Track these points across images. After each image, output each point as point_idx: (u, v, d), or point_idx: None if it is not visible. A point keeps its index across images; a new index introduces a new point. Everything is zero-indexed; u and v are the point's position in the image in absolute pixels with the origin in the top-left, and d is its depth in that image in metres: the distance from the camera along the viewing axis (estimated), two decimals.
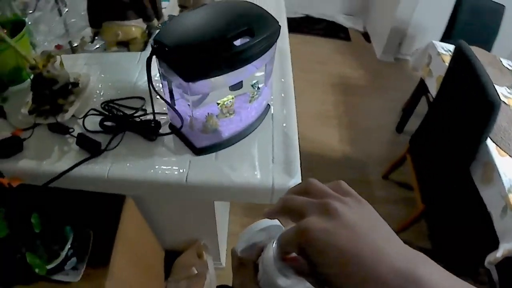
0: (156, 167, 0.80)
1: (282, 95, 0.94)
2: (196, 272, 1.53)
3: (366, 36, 3.49)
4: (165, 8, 1.25)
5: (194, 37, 0.64)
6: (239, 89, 0.83)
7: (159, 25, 1.12)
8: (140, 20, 1.07)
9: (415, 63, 2.28)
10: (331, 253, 0.32)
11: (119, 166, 0.81)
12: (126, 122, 0.85)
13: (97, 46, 1.17)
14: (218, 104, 0.77)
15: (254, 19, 0.67)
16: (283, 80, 0.97)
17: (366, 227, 0.33)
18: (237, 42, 0.63)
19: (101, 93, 0.96)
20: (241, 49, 0.63)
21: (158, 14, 1.13)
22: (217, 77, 0.66)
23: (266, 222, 0.47)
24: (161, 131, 0.85)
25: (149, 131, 0.83)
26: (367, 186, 2.26)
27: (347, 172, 2.32)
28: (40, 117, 0.89)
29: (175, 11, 1.17)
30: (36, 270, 0.92)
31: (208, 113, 0.77)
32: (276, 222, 0.46)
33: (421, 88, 2.24)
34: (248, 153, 0.82)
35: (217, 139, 0.80)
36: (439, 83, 1.70)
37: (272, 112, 0.89)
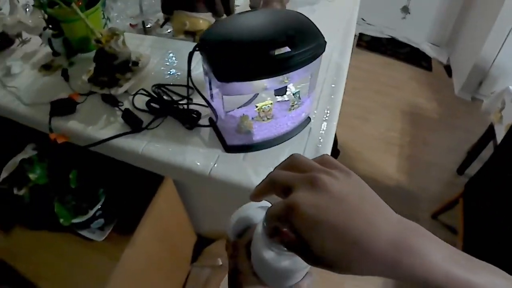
0: (186, 154, 0.82)
1: (327, 111, 0.92)
2: (220, 263, 1.54)
3: (448, 69, 3.31)
4: (238, 6, 1.28)
5: (235, 39, 0.65)
6: (282, 94, 0.84)
7: None
8: (209, 14, 1.10)
9: (488, 106, 2.12)
10: (322, 229, 0.31)
11: (153, 146, 0.84)
12: (170, 107, 0.89)
13: (169, 30, 1.23)
14: (256, 107, 0.78)
15: (300, 31, 0.66)
16: (332, 96, 0.96)
17: (356, 200, 0.32)
18: (279, 51, 0.63)
19: (156, 76, 1.01)
20: (278, 58, 0.63)
21: (229, 11, 1.16)
22: (254, 81, 0.67)
23: (254, 205, 0.47)
24: (200, 122, 0.87)
25: (189, 120, 0.86)
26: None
27: (396, 203, 2.19)
28: (97, 87, 0.95)
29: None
30: (61, 220, 0.99)
31: (243, 114, 0.78)
32: (265, 203, 0.45)
33: (490, 133, 2.08)
34: (275, 161, 0.82)
35: (248, 140, 0.81)
36: (508, 131, 1.58)
37: (311, 126, 0.88)
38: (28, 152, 1.05)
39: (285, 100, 0.83)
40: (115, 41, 0.93)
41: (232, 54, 0.64)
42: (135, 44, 1.12)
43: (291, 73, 0.67)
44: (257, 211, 0.47)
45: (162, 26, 1.15)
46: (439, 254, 0.32)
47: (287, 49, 0.64)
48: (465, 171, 2.45)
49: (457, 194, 1.94)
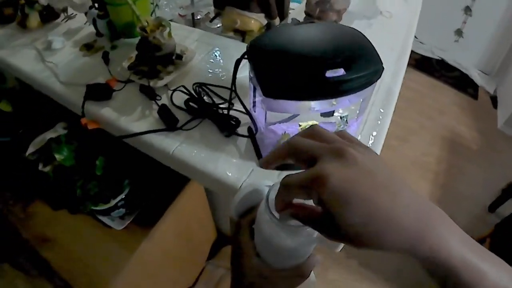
0: (219, 162, 0.77)
1: (372, 137, 0.85)
2: None
3: (494, 100, 3.15)
4: (293, 9, 1.22)
5: (288, 53, 0.58)
6: (329, 116, 0.77)
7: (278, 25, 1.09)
8: (262, 15, 1.05)
9: None
10: (352, 202, 0.30)
11: (186, 148, 0.79)
12: (209, 109, 0.84)
13: (218, 25, 1.18)
14: (299, 125, 0.72)
15: (358, 53, 0.59)
16: (379, 122, 0.89)
17: (385, 175, 0.32)
18: (332, 73, 0.57)
19: (199, 73, 0.96)
20: (332, 81, 0.56)
21: (283, 14, 1.10)
22: (301, 101, 0.61)
23: (258, 184, 0.45)
24: (239, 130, 0.82)
25: (228, 126, 0.81)
26: None
27: None
28: (136, 75, 0.91)
29: (301, 16, 1.13)
30: (80, 207, 0.97)
31: (285, 132, 0.72)
32: (268, 182, 0.44)
33: None
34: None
35: None
36: None
37: None
38: (58, 130, 1.03)
39: (331, 122, 0.77)
40: (160, 32, 0.88)
41: (283, 70, 0.58)
42: (182, 36, 1.07)
43: (341, 98, 0.61)
44: (260, 190, 0.45)
45: (211, 20, 1.10)
46: (457, 238, 0.32)
47: (341, 71, 0.58)
48: (497, 209, 2.33)
49: (486, 233, 1.85)
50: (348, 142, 0.35)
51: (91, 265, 1.03)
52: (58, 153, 0.96)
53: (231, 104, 0.81)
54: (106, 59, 1.01)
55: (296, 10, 1.24)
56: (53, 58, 1.03)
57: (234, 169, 0.76)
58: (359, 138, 0.84)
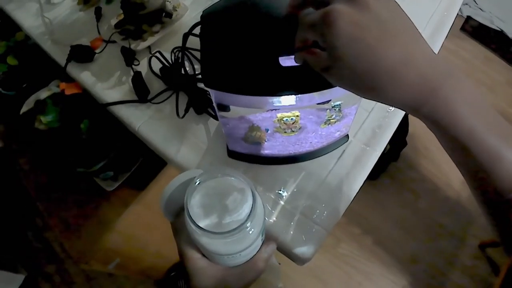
0: (182, 145, 0.66)
1: (377, 130, 0.69)
2: None
3: None
4: None
5: (238, 33, 0.44)
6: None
7: None
8: None
9: None
10: (358, 47, 0.29)
11: (152, 124, 0.69)
12: (184, 80, 0.72)
13: None
14: (276, 116, 0.58)
15: None
16: (389, 110, 0.72)
17: (398, 26, 0.30)
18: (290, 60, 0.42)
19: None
20: (288, 70, 0.41)
21: None
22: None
23: (182, 178, 0.39)
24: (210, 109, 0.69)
25: (200, 102, 0.69)
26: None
27: (447, 217, 1.93)
28: (120, 35, 0.81)
29: None
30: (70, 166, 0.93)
31: (253, 124, 0.59)
32: (193, 173, 0.38)
33: None
34: (280, 184, 0.62)
35: (255, 150, 0.62)
36: None
37: (344, 148, 0.67)
38: (52, 88, 0.97)
39: (322, 110, 0.62)
40: None
41: (229, 55, 0.43)
42: None
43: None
44: (183, 187, 0.37)
45: None
46: (468, 108, 0.30)
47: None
48: None
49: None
50: None
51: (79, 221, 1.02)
52: (44, 116, 0.91)
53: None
54: (98, 14, 0.90)
55: None
56: (50, 13, 0.95)
57: (197, 156, 0.65)
58: (355, 133, 0.69)
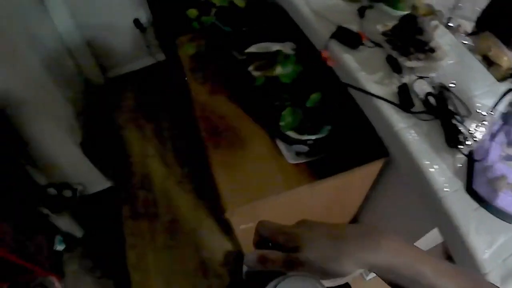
0: (433, 164, 0.75)
1: None
2: None
3: None
4: None
5: None
6: None
7: None
8: None
9: None
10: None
11: (410, 134, 0.79)
12: (445, 113, 0.80)
13: (465, 42, 1.09)
14: None
15: None
16: None
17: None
18: None
19: (442, 77, 0.90)
20: None
21: None
22: None
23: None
24: (462, 147, 0.77)
25: (454, 138, 0.78)
26: None
27: None
28: (388, 44, 0.89)
29: None
30: (282, 123, 0.95)
31: (503, 174, 0.68)
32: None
33: None
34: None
35: (489, 197, 0.70)
36: None
37: None
38: (286, 49, 1.04)
39: None
40: (429, 19, 0.86)
41: None
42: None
43: None
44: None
45: (468, 35, 1.04)
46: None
47: None
48: None
49: None
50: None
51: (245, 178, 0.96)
52: (282, 66, 0.97)
53: (464, 119, 0.79)
54: (361, 12, 1.00)
55: None
56: None
57: (442, 177, 0.75)
58: None
